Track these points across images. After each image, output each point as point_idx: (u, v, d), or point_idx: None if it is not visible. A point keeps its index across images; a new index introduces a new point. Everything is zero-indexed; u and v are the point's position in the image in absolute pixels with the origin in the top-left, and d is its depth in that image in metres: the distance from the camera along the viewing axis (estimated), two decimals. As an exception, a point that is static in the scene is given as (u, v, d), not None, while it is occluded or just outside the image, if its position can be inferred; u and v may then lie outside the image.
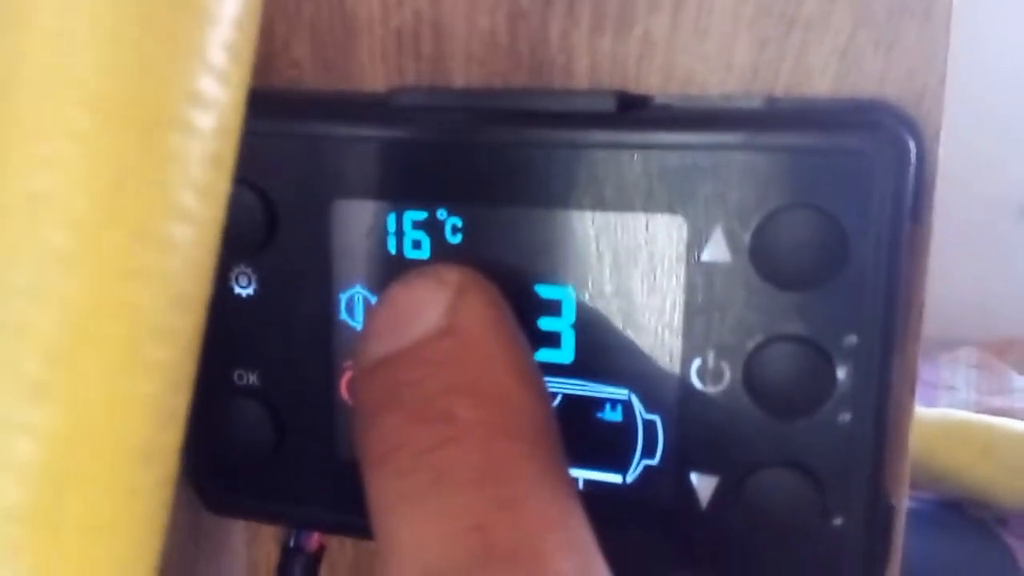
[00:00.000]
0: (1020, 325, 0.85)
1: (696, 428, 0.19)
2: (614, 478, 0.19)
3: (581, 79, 0.20)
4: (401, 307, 0.17)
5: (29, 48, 0.11)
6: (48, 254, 0.11)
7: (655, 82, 0.20)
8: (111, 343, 0.12)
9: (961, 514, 0.70)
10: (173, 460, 0.13)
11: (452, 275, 0.17)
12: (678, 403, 0.19)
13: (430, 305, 0.16)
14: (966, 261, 0.89)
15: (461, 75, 0.21)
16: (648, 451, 0.19)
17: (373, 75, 0.22)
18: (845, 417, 0.18)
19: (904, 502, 0.20)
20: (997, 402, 0.79)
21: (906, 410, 0.19)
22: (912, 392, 0.19)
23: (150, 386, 0.12)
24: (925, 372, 0.83)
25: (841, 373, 0.18)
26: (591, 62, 0.20)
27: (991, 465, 0.67)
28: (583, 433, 0.19)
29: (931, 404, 0.80)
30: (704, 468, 0.19)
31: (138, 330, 0.12)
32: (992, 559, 0.67)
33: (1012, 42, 0.87)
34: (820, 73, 0.19)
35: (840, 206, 0.17)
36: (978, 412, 0.76)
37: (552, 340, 0.19)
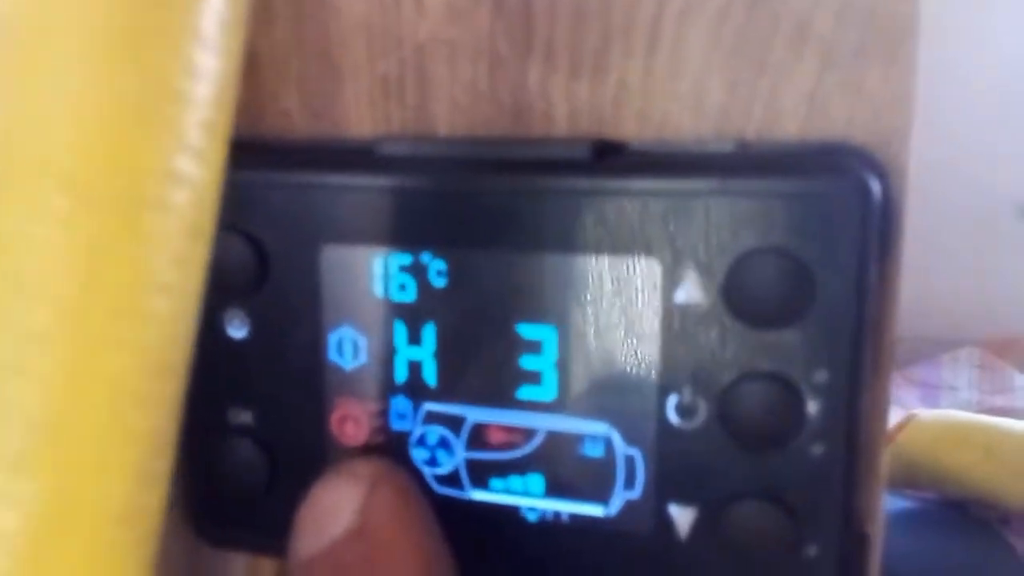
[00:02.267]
0: (1021, 324, 0.85)
1: (674, 462, 0.19)
2: (596, 511, 0.20)
3: (560, 124, 0.21)
4: (320, 507, 0.18)
5: (8, 132, 0.12)
6: (29, 333, 0.12)
7: (631, 126, 0.20)
8: (92, 415, 0.12)
9: (964, 514, 0.71)
10: (155, 520, 0.14)
11: (364, 470, 0.19)
12: (656, 438, 0.19)
13: (344, 504, 0.18)
14: (966, 260, 0.90)
15: (445, 121, 0.22)
16: (628, 484, 0.20)
17: (360, 122, 0.22)
18: (817, 450, 0.18)
19: (879, 531, 0.20)
20: (999, 401, 0.79)
21: (878, 441, 0.20)
22: (884, 423, 0.20)
23: (131, 453, 0.13)
24: (926, 373, 0.83)
25: (812, 408, 0.18)
26: (570, 107, 0.21)
27: (993, 466, 0.68)
28: (566, 467, 0.20)
29: (933, 405, 0.80)
30: (682, 500, 0.20)
31: (119, 400, 0.13)
32: (995, 559, 0.68)
33: (1012, 42, 0.87)
34: (790, 115, 0.20)
35: (807, 249, 0.18)
36: (980, 412, 0.77)
37: (535, 378, 0.20)
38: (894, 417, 0.73)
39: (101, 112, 0.12)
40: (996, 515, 0.69)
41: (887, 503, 0.69)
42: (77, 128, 0.12)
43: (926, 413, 0.72)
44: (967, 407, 0.79)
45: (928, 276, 0.89)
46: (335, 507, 0.18)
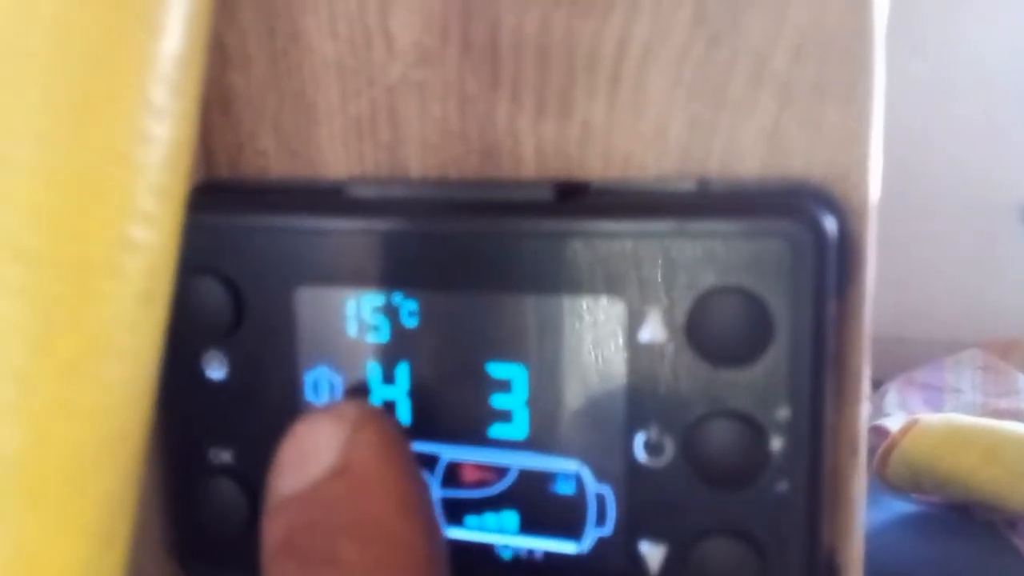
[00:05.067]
0: (1023, 325, 0.85)
1: (644, 499, 0.20)
2: (569, 548, 0.20)
3: (528, 162, 0.21)
4: (303, 445, 0.18)
5: None
6: None
7: (596, 164, 0.21)
8: (51, 480, 0.13)
9: (969, 517, 0.71)
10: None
11: (350, 411, 0.18)
12: (625, 476, 0.20)
13: (328, 443, 0.18)
14: (968, 263, 0.89)
15: (417, 160, 0.22)
16: (600, 521, 0.20)
17: (335, 162, 0.23)
18: (782, 487, 0.19)
19: (856, 559, 0.20)
20: (1003, 403, 0.79)
21: (847, 472, 0.20)
22: (854, 453, 0.20)
23: (91, 516, 0.13)
24: (930, 376, 0.83)
25: (775, 445, 0.19)
26: (537, 146, 0.21)
27: (996, 469, 0.68)
28: (539, 505, 0.20)
29: (937, 408, 0.80)
30: (653, 537, 0.20)
31: (77, 465, 0.13)
32: (1001, 562, 0.68)
33: (1011, 46, 0.87)
34: (750, 152, 0.20)
35: (764, 287, 0.18)
36: (985, 414, 0.76)
37: (505, 417, 0.20)
38: (899, 421, 0.73)
39: (51, 181, 0.12)
40: (1001, 518, 0.69)
41: (892, 507, 0.69)
42: (28, 197, 0.12)
43: (929, 417, 0.72)
44: (971, 410, 0.79)
45: (931, 279, 0.89)
46: (318, 446, 0.18)
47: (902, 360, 0.81)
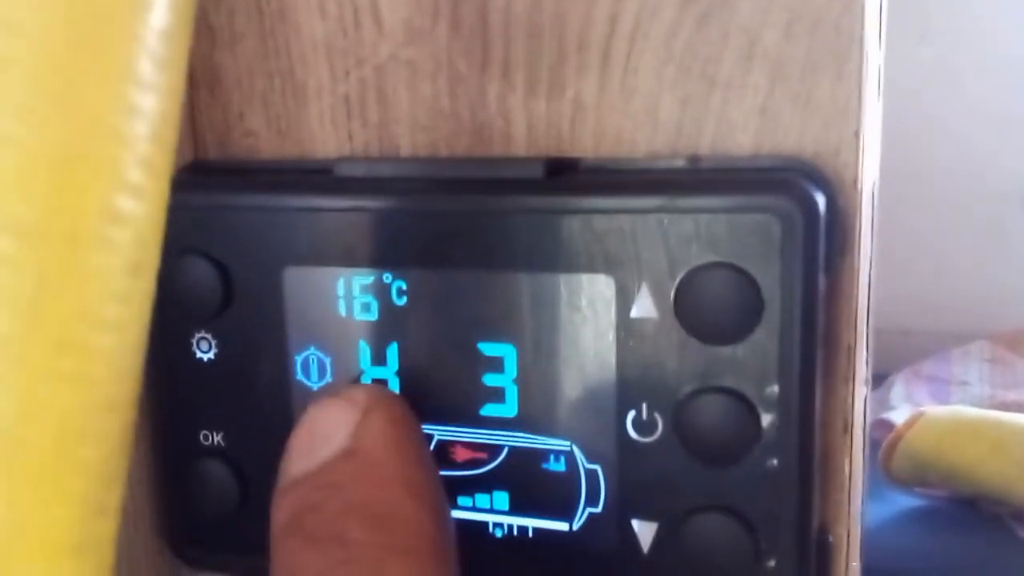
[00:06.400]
0: (1031, 317, 0.84)
1: (635, 476, 0.20)
2: (561, 526, 0.20)
3: (519, 141, 0.21)
4: (314, 429, 0.18)
5: None
6: None
7: (587, 142, 0.21)
8: (39, 447, 0.13)
9: (975, 510, 0.70)
10: (108, 549, 0.14)
11: (360, 395, 0.18)
12: (617, 453, 0.20)
13: (338, 427, 0.18)
14: (975, 254, 0.89)
15: (407, 139, 0.22)
16: (591, 499, 0.20)
17: (324, 141, 0.22)
18: (772, 463, 0.19)
19: (851, 535, 0.20)
20: (1011, 396, 0.79)
21: (838, 449, 0.20)
22: (846, 431, 0.20)
23: (81, 485, 0.13)
24: (937, 368, 0.82)
25: (765, 421, 0.18)
26: (528, 124, 0.21)
27: (1002, 462, 0.67)
28: (530, 483, 0.20)
29: (944, 400, 0.79)
30: (644, 515, 0.20)
31: (65, 433, 0.13)
32: (1008, 554, 0.67)
33: (1019, 33, 0.86)
34: (742, 129, 0.20)
35: (753, 264, 0.18)
36: (992, 407, 0.76)
37: (497, 395, 0.20)
38: (904, 414, 0.73)
39: (41, 154, 0.12)
40: (1008, 511, 0.69)
41: (897, 501, 0.69)
42: (18, 170, 0.12)
43: (935, 410, 0.72)
44: (979, 402, 0.78)
45: (937, 270, 0.89)
46: (328, 429, 0.18)
47: (908, 352, 0.80)
